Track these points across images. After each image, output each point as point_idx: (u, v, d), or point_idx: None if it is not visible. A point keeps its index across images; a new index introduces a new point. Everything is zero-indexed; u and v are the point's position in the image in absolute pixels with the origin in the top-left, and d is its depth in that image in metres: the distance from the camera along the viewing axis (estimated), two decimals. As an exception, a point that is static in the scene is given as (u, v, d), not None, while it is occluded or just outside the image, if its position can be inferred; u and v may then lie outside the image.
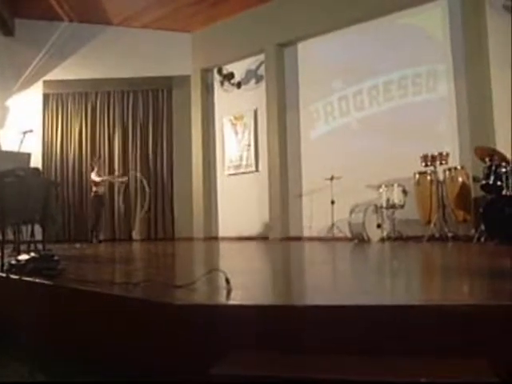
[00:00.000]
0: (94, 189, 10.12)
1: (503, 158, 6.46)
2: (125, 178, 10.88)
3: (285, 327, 2.01)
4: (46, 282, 3.06)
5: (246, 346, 2.01)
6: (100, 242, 10.03)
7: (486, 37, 7.60)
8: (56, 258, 3.54)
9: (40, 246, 5.59)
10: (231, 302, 2.30)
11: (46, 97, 11.53)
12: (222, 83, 11.06)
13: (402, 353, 1.88)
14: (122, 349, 2.35)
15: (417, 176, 7.65)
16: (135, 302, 2.39)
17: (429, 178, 7.49)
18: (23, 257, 3.60)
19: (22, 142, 6.36)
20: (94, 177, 10.12)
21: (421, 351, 1.87)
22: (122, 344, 2.35)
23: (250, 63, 10.72)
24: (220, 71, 10.94)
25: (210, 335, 2.05)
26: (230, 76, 10.82)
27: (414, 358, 1.83)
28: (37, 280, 3.12)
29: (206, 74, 11.46)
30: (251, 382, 1.82)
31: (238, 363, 1.93)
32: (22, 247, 5.56)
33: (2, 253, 4.10)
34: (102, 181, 10.20)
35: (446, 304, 2.05)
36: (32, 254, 3.68)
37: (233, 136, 10.90)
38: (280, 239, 9.54)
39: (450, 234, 7.13)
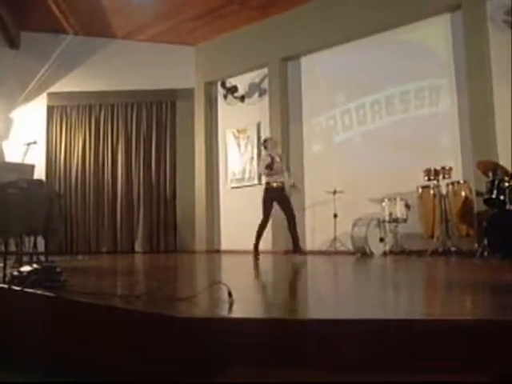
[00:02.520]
0: (265, 179, 7.61)
1: (506, 173, 6.47)
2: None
3: (287, 341, 2.00)
4: (48, 293, 3.05)
5: (248, 359, 2.00)
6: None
7: (488, 51, 7.64)
8: (58, 269, 3.54)
9: (42, 258, 5.59)
10: (233, 316, 2.29)
11: (50, 109, 11.58)
12: (225, 96, 11.11)
13: (403, 368, 1.86)
14: (123, 361, 2.34)
15: (420, 190, 7.65)
16: (137, 314, 2.39)
17: (432, 192, 7.49)
18: (25, 268, 3.59)
19: (25, 153, 6.40)
20: (264, 159, 7.66)
21: (423, 367, 1.86)
22: (123, 356, 2.34)
23: (253, 77, 10.78)
24: (223, 84, 10.99)
25: (212, 348, 2.05)
26: (234, 89, 10.87)
27: (415, 374, 1.82)
28: (39, 292, 3.11)
29: (209, 87, 11.51)
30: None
31: (240, 377, 1.92)
32: (25, 259, 5.56)
33: (5, 264, 4.09)
34: (275, 167, 7.42)
35: (449, 319, 2.04)
36: (34, 266, 3.68)
37: (236, 149, 10.92)
38: (283, 252, 9.51)
39: (453, 249, 7.11)
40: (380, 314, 2.32)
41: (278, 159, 7.61)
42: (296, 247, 7.73)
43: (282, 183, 7.71)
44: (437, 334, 1.92)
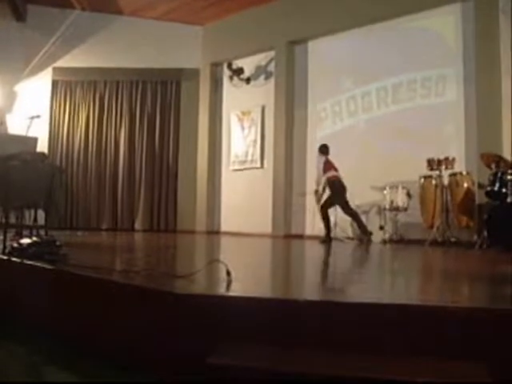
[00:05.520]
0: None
1: (509, 165, 6.45)
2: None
3: (283, 320, 2.01)
4: (47, 266, 3.07)
5: (244, 337, 2.01)
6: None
7: (497, 43, 7.57)
8: (58, 243, 3.55)
9: (42, 232, 5.60)
10: (231, 294, 2.31)
11: (54, 83, 11.53)
12: (231, 78, 11.05)
13: (400, 351, 1.88)
14: (120, 335, 2.36)
15: (422, 179, 7.63)
16: (135, 289, 2.40)
17: (434, 182, 7.47)
18: (25, 241, 3.61)
19: (29, 127, 6.38)
20: None
21: (419, 351, 1.87)
22: (121, 330, 2.36)
23: (260, 59, 10.70)
24: (230, 66, 10.93)
25: (209, 325, 2.06)
26: (240, 71, 10.81)
27: (411, 357, 1.83)
28: (38, 264, 3.13)
29: (215, 68, 11.44)
30: (247, 373, 1.83)
31: (235, 354, 1.93)
32: (25, 232, 5.57)
33: (5, 236, 4.11)
34: None
35: (445, 305, 2.05)
36: (34, 239, 3.69)
37: (239, 131, 10.89)
38: (282, 236, 9.54)
39: (452, 239, 7.12)
40: (376, 298, 2.33)
41: None
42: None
43: None
44: (434, 320, 1.93)
